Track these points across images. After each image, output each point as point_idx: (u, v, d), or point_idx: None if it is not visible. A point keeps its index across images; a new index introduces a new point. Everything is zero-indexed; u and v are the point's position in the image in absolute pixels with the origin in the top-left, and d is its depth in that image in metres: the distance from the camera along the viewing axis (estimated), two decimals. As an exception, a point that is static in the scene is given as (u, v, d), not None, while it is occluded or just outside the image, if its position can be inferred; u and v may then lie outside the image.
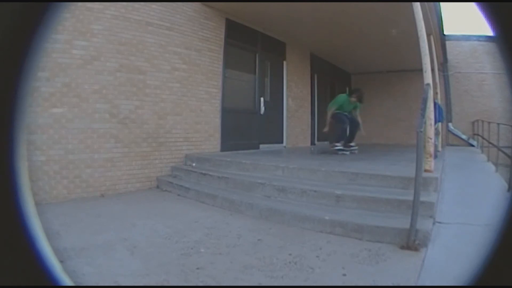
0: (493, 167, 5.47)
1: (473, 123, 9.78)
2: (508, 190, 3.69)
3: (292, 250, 2.40)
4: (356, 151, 6.11)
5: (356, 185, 3.44)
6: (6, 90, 0.44)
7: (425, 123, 3.18)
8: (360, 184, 3.44)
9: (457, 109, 10.18)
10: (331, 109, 5.85)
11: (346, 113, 5.83)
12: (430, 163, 3.41)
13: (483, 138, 7.95)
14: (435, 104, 4.51)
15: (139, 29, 4.56)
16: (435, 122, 4.35)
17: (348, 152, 5.89)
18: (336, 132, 5.88)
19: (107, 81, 4.23)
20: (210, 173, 4.28)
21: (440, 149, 6.82)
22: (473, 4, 0.44)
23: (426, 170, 3.29)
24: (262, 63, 6.95)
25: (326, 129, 6.29)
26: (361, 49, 8.35)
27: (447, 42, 9.14)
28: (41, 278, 0.46)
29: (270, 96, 7.17)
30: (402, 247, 2.39)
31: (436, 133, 5.13)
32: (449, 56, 9.77)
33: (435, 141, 3.95)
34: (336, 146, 5.86)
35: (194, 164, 4.94)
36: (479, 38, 9.77)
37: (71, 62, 3.90)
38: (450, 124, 10.13)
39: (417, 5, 3.72)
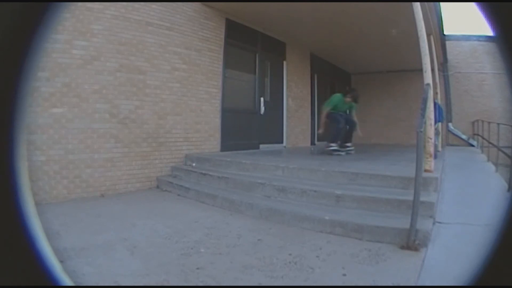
0: (493, 167, 5.47)
1: (473, 123, 9.78)
2: (508, 190, 3.69)
3: (292, 250, 2.40)
4: (352, 152, 5.97)
5: (356, 185, 3.44)
6: (6, 90, 0.44)
7: (425, 123, 3.18)
8: (360, 184, 3.44)
9: (457, 109, 10.18)
10: (326, 109, 5.75)
11: (341, 113, 5.71)
12: (430, 163, 3.41)
13: (483, 138, 7.95)
14: (435, 104, 4.51)
15: (139, 29, 4.56)
16: (435, 122, 4.35)
17: (343, 153, 5.76)
18: (331, 132, 5.77)
19: (107, 81, 4.23)
20: (210, 173, 4.28)
21: (440, 149, 6.82)
22: (473, 4, 0.44)
23: (426, 170, 3.29)
24: (262, 63, 6.95)
25: (320, 130, 6.16)
26: (361, 49, 8.35)
27: (447, 42, 9.14)
28: (41, 278, 0.46)
29: (270, 96, 7.17)
30: (402, 247, 2.39)
31: (436, 133, 5.13)
32: (449, 56, 9.77)
33: (435, 141, 3.95)
34: (331, 146, 5.73)
35: (194, 164, 4.94)
36: (479, 38, 9.78)
37: (71, 62, 3.90)
38: (450, 124, 10.13)
39: (417, 5, 3.72)
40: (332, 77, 10.25)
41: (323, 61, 9.35)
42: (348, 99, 5.73)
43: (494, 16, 0.42)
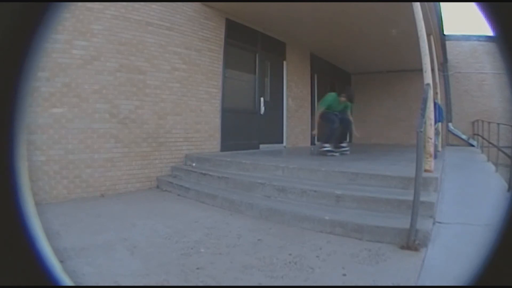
0: (493, 167, 5.47)
1: (473, 123, 9.78)
2: (508, 190, 3.69)
3: (292, 250, 2.40)
4: (347, 152, 5.80)
5: (356, 185, 3.44)
6: (6, 90, 0.44)
7: (425, 123, 3.18)
8: (360, 184, 3.44)
9: (457, 109, 10.18)
10: (320, 109, 5.58)
11: (336, 113, 5.53)
12: (430, 163, 3.41)
13: (483, 138, 7.95)
14: (435, 104, 4.51)
15: (139, 29, 4.56)
16: (435, 122, 4.34)
17: (337, 154, 5.59)
18: (325, 132, 5.61)
19: (107, 81, 4.23)
20: (210, 173, 4.28)
21: (440, 149, 6.82)
22: (473, 4, 0.44)
23: (426, 170, 3.29)
24: (262, 63, 6.95)
25: (314, 131, 6.07)
26: (361, 49, 8.35)
27: (447, 42, 9.14)
28: (41, 278, 0.46)
29: (270, 96, 7.17)
30: (402, 247, 2.39)
31: (436, 133, 5.13)
32: (449, 56, 9.77)
33: (435, 141, 3.95)
34: (325, 147, 5.56)
35: (194, 164, 4.94)
36: (479, 38, 9.78)
37: (71, 62, 3.90)
38: (450, 124, 10.13)
39: (417, 5, 3.72)
40: (332, 77, 10.25)
41: (323, 61, 9.35)
42: (343, 99, 5.56)
43: (494, 16, 0.42)
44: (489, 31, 0.43)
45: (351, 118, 5.82)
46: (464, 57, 10.15)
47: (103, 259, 2.24)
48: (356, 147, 6.20)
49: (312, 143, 8.74)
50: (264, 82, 7.08)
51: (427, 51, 3.69)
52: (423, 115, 2.98)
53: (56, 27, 0.46)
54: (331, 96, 5.63)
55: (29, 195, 0.47)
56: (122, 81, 4.38)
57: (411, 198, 2.49)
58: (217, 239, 2.67)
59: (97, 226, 2.95)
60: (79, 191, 3.97)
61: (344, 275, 2.04)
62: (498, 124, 6.22)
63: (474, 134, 9.81)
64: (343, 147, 5.82)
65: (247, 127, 6.53)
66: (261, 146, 6.78)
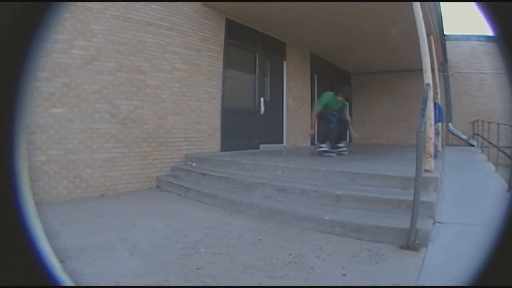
0: (493, 167, 5.47)
1: (473, 123, 9.78)
2: (508, 190, 3.69)
3: (292, 250, 2.40)
4: (345, 153, 5.69)
5: (356, 185, 3.44)
6: (6, 90, 0.44)
7: (425, 123, 3.18)
8: (360, 184, 3.44)
9: (457, 109, 10.18)
10: (317, 109, 5.46)
11: (333, 113, 5.41)
12: (430, 163, 3.41)
13: (483, 138, 7.95)
14: (435, 104, 4.51)
15: (139, 29, 4.56)
16: (435, 122, 4.34)
17: (334, 154, 5.47)
18: (322, 132, 5.47)
19: (107, 81, 4.23)
20: (210, 173, 4.28)
21: (440, 149, 6.82)
22: (473, 4, 0.44)
23: (426, 170, 3.29)
24: (262, 63, 6.95)
25: (311, 132, 5.98)
26: (361, 49, 8.35)
27: (447, 42, 9.14)
28: (41, 278, 0.46)
29: (270, 96, 7.17)
30: (402, 247, 2.39)
31: (436, 133, 5.13)
32: (449, 56, 9.77)
33: (435, 141, 3.95)
34: (321, 147, 5.43)
35: (194, 164, 4.94)
36: (479, 38, 9.78)
37: (71, 62, 3.90)
38: (450, 124, 10.13)
39: (417, 5, 3.72)
40: (332, 77, 10.25)
41: (323, 61, 9.35)
42: (340, 98, 5.44)
43: (494, 16, 0.42)
44: (489, 31, 0.43)
45: (348, 117, 5.72)
46: (464, 57, 10.15)
47: (103, 259, 2.23)
48: (356, 147, 6.19)
49: (312, 143, 8.73)
50: (264, 82, 7.08)
51: (427, 51, 3.69)
52: (423, 115, 2.98)
53: (56, 27, 0.46)
54: (328, 95, 5.53)
55: (29, 195, 0.47)
56: (122, 81, 4.38)
57: (411, 198, 2.49)
58: (217, 239, 2.67)
59: (97, 226, 2.95)
60: (79, 191, 3.97)
61: (344, 275, 2.04)
62: (498, 124, 6.22)
63: (474, 134, 9.81)
64: (341, 147, 5.71)
65: (247, 127, 6.53)
66: (261, 146, 6.78)
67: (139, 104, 4.57)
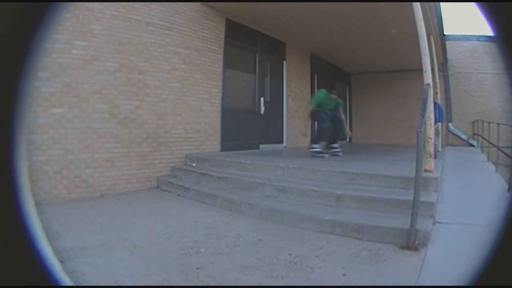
0: (493, 167, 5.47)
1: (473, 123, 9.78)
2: (508, 190, 3.69)
3: (292, 250, 2.40)
4: (339, 154, 5.47)
5: (356, 185, 3.44)
6: (6, 90, 0.44)
7: (425, 123, 3.18)
8: (360, 184, 3.44)
9: (457, 109, 10.18)
10: (310, 107, 5.26)
11: (327, 112, 5.22)
12: (430, 163, 3.41)
13: (483, 138, 7.95)
14: (435, 104, 4.51)
15: (139, 29, 4.56)
16: (435, 122, 4.35)
17: (328, 155, 5.25)
18: (315, 132, 5.27)
19: (107, 81, 4.23)
20: (210, 173, 4.28)
21: (440, 149, 6.82)
22: (473, 4, 0.44)
23: (426, 170, 3.29)
24: (262, 63, 6.95)
25: (305, 132, 5.86)
26: (361, 49, 8.35)
27: (447, 42, 9.14)
28: (41, 278, 0.46)
29: (270, 96, 7.17)
30: (402, 247, 2.39)
31: (436, 133, 5.12)
32: (449, 56, 9.77)
33: (435, 141, 3.95)
34: (314, 148, 5.19)
35: (194, 164, 4.94)
36: (479, 38, 9.78)
37: (71, 62, 3.90)
38: (450, 124, 10.13)
39: (417, 5, 3.72)
40: (332, 77, 10.24)
41: (323, 61, 9.35)
42: (334, 96, 5.27)
43: (494, 16, 0.42)
44: (489, 31, 0.43)
45: (343, 116, 5.51)
46: (464, 57, 10.15)
47: (103, 259, 2.23)
48: (356, 147, 6.18)
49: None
50: (264, 82, 7.08)
51: (427, 51, 3.69)
52: (423, 115, 2.98)
53: (56, 27, 0.46)
54: (321, 92, 5.37)
55: (29, 195, 0.47)
56: (122, 81, 4.38)
57: (411, 198, 2.49)
58: (217, 239, 2.67)
59: (97, 226, 2.95)
60: (79, 191, 3.97)
61: (344, 275, 2.04)
62: (498, 124, 6.22)
63: (474, 134, 9.81)
64: (335, 148, 5.50)
65: (247, 127, 6.53)
66: (261, 146, 6.78)
67: (139, 104, 4.57)
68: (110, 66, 4.26)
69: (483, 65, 9.79)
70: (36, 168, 3.58)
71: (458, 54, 10.13)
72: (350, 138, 9.81)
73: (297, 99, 8.03)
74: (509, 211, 0.43)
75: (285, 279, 1.99)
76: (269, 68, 7.18)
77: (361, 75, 11.46)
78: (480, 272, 0.42)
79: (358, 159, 5.24)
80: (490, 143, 6.62)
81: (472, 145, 9.88)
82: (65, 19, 3.63)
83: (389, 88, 10.98)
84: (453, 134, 10.20)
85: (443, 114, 7.39)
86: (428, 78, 3.61)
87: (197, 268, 2.11)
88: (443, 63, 9.53)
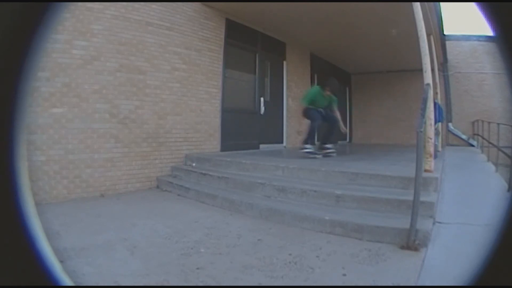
0: (493, 167, 5.47)
1: (473, 123, 9.78)
2: (508, 190, 3.69)
3: (292, 250, 2.40)
4: (333, 155, 5.19)
5: (356, 185, 3.44)
6: (6, 90, 0.44)
7: (425, 123, 3.18)
8: (360, 184, 3.44)
9: (457, 109, 10.18)
10: (302, 105, 5.01)
11: (320, 110, 4.95)
12: (430, 163, 3.41)
13: (483, 138, 7.95)
14: (435, 104, 4.51)
15: (139, 29, 4.56)
16: (435, 122, 4.34)
17: (320, 156, 5.01)
18: (307, 131, 4.98)
19: (107, 81, 4.23)
20: (210, 173, 4.28)
21: (440, 149, 6.82)
22: (473, 4, 0.44)
23: (426, 170, 3.29)
24: (262, 63, 6.95)
25: (300, 131, 5.64)
26: (361, 49, 8.35)
27: (447, 42, 9.14)
28: (41, 278, 0.46)
29: (270, 96, 7.17)
30: (402, 247, 2.39)
31: (436, 133, 5.12)
32: (449, 56, 9.77)
33: (435, 141, 3.95)
34: (305, 148, 4.93)
35: (194, 164, 4.94)
36: (479, 38, 9.77)
37: (71, 62, 3.90)
38: (450, 124, 10.13)
39: (417, 5, 3.72)
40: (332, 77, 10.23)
41: (323, 61, 9.35)
42: (327, 92, 4.96)
43: (494, 16, 0.42)
44: (489, 31, 0.43)
45: (337, 114, 5.21)
46: (464, 57, 10.15)
47: (103, 259, 2.23)
48: (356, 147, 6.17)
49: (313, 143, 8.73)
50: (264, 82, 7.08)
51: (427, 51, 3.69)
52: (423, 115, 2.98)
53: (56, 27, 0.46)
54: (314, 89, 5.12)
55: (29, 195, 0.47)
56: (122, 81, 4.38)
57: (411, 198, 2.49)
58: (217, 239, 2.67)
59: (97, 226, 2.95)
60: (79, 191, 3.97)
61: (344, 275, 2.04)
62: (498, 124, 6.22)
63: (474, 134, 9.81)
64: (328, 148, 5.22)
65: (247, 127, 6.53)
66: (261, 146, 6.78)
67: (139, 104, 4.57)
68: (110, 66, 4.25)
69: (483, 65, 9.79)
70: (36, 168, 3.58)
71: (458, 54, 10.13)
72: (350, 138, 9.81)
73: (297, 99, 8.01)
74: (509, 211, 0.43)
75: (285, 279, 1.99)
76: (269, 68, 7.18)
77: (361, 75, 11.46)
78: (480, 272, 0.42)
79: (358, 159, 5.23)
80: (490, 143, 6.62)
81: (472, 145, 9.88)
82: (65, 19, 3.63)
83: (389, 88, 10.98)
84: (453, 134, 10.20)
85: (443, 114, 7.39)
86: (428, 78, 3.61)
87: (197, 268, 2.11)
88: (443, 63, 9.53)
